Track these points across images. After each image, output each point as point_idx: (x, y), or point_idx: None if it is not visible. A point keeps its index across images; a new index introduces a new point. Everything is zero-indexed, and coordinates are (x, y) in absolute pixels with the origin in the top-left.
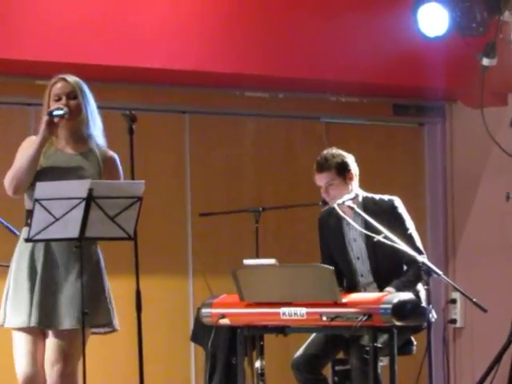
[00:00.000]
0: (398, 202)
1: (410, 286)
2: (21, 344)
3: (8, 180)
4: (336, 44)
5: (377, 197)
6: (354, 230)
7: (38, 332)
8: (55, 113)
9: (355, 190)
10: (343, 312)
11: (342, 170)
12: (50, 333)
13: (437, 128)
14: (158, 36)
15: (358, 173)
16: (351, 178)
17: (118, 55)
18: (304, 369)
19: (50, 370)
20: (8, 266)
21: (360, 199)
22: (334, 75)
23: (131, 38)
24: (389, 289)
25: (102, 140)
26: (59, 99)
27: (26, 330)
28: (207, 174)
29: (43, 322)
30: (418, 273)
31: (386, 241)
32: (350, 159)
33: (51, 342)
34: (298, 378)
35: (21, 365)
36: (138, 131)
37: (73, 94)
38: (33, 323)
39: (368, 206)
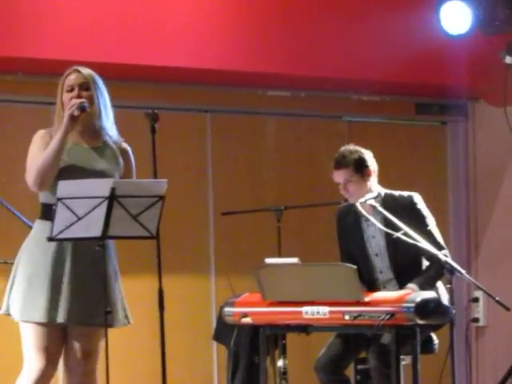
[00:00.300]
0: (417, 198)
1: (431, 283)
2: (38, 339)
3: (32, 176)
4: (358, 43)
5: (396, 193)
6: (373, 227)
7: (57, 328)
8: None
9: (374, 186)
10: (366, 311)
11: (360, 167)
12: (74, 330)
13: (459, 127)
14: (180, 35)
15: (376, 169)
16: (369, 175)
17: (140, 54)
18: (327, 370)
19: (76, 368)
20: (11, 263)
21: (381, 195)
22: (356, 74)
23: (153, 36)
24: (411, 285)
25: (114, 132)
26: (72, 90)
27: (45, 325)
28: (229, 173)
29: (72, 319)
30: (440, 270)
31: (405, 238)
32: (368, 155)
33: (77, 339)
34: (321, 379)
35: (35, 360)
36: (160, 130)
37: (85, 86)
38: (61, 319)
39: (388, 202)
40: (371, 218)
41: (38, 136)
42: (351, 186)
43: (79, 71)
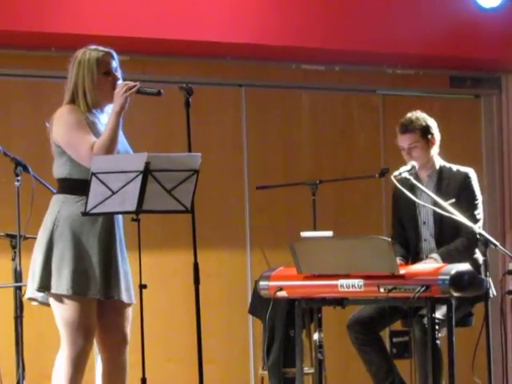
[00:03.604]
0: (472, 174)
1: (456, 255)
2: (86, 313)
3: (102, 153)
4: (392, 16)
5: (454, 167)
6: (425, 195)
7: (95, 305)
8: (150, 90)
9: (435, 156)
10: (401, 283)
11: (426, 133)
12: (115, 306)
13: (493, 99)
14: (215, 9)
15: (439, 139)
16: (433, 143)
17: (174, 29)
18: (357, 329)
19: (118, 345)
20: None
21: (437, 167)
22: (390, 47)
23: (187, 11)
24: (434, 255)
25: None
26: (110, 74)
27: (88, 301)
28: (264, 147)
29: (119, 295)
30: (469, 243)
31: (442, 212)
32: (434, 124)
33: (124, 314)
34: (351, 338)
35: (76, 337)
36: (194, 105)
37: (117, 70)
38: (123, 297)
39: (444, 174)
40: (407, 192)
41: (73, 113)
42: (415, 151)
43: (113, 56)
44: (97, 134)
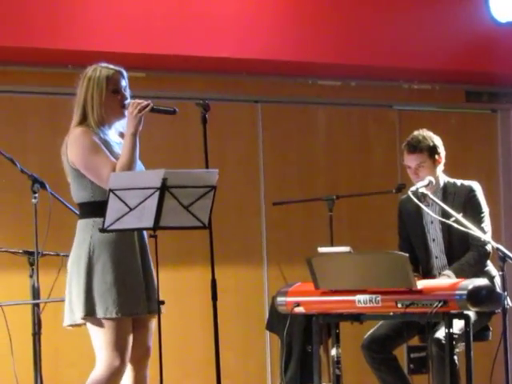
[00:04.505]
0: (476, 187)
1: (468, 269)
2: (125, 334)
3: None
4: (408, 31)
5: (458, 182)
6: (432, 212)
7: (131, 323)
8: (164, 109)
9: (439, 174)
10: (418, 298)
11: (433, 153)
12: (142, 320)
13: (510, 114)
14: (230, 24)
15: (444, 157)
16: (439, 162)
17: (190, 45)
18: (372, 348)
19: (142, 358)
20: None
21: (441, 184)
22: (406, 63)
23: (203, 27)
24: (447, 272)
25: None
26: (118, 92)
27: (130, 320)
28: (280, 163)
29: (153, 309)
30: (478, 255)
31: (454, 224)
32: (440, 143)
33: (148, 327)
34: (366, 357)
35: (112, 357)
36: (211, 120)
37: (126, 89)
38: (154, 309)
39: (449, 190)
40: (423, 206)
41: (88, 135)
42: (422, 171)
43: (123, 74)
44: (112, 153)
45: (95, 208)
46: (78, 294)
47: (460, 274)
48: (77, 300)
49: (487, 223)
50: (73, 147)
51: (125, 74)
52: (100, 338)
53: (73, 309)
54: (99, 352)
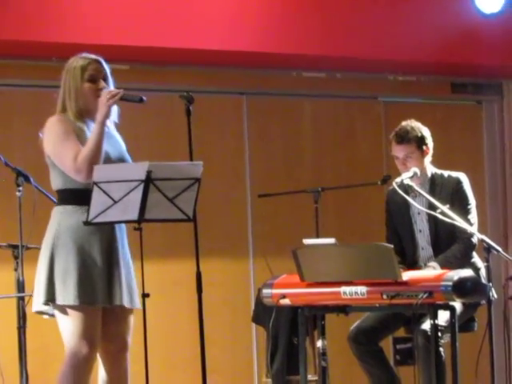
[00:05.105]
0: (463, 178)
1: (454, 261)
2: (92, 322)
3: (85, 165)
4: (393, 23)
5: (446, 173)
6: (419, 204)
7: (100, 313)
8: (132, 98)
9: (427, 165)
10: (404, 290)
11: (421, 144)
12: (116, 313)
13: (494, 105)
14: (215, 17)
15: (432, 147)
16: (427, 153)
17: (174, 37)
18: (358, 339)
19: (119, 353)
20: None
21: (429, 175)
22: (391, 54)
23: (188, 20)
24: (432, 263)
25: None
26: (95, 81)
27: (99, 311)
28: (266, 155)
29: (124, 301)
30: (466, 249)
31: (440, 216)
32: (428, 133)
33: (126, 321)
34: (352, 349)
35: (80, 346)
36: (195, 113)
37: (104, 78)
38: (125, 302)
39: (436, 181)
40: (408, 198)
41: (60, 124)
42: (410, 161)
43: (101, 63)
44: (84, 142)
45: (66, 195)
46: (42, 279)
47: (446, 265)
48: (41, 285)
49: (474, 215)
50: (45, 135)
51: (103, 62)
52: (66, 327)
53: (38, 294)
54: (67, 341)
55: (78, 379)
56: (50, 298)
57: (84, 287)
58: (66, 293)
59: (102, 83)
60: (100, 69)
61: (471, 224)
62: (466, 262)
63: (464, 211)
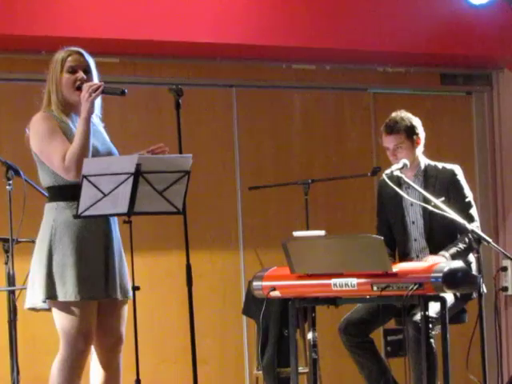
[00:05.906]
0: (458, 170)
1: (461, 254)
2: (88, 317)
3: (74, 164)
4: (383, 14)
5: (440, 165)
6: (412, 195)
7: (95, 307)
8: (113, 90)
9: (419, 155)
10: (394, 281)
11: (411, 134)
12: (110, 306)
13: (484, 96)
14: (204, 10)
15: (424, 138)
16: (418, 143)
17: (164, 30)
18: (349, 331)
19: (114, 345)
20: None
21: (422, 166)
22: (381, 46)
23: (177, 12)
24: (443, 253)
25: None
26: (75, 72)
27: (95, 304)
28: (256, 148)
29: (115, 293)
30: (468, 242)
31: (435, 209)
32: (419, 124)
33: (120, 313)
34: (343, 341)
35: (76, 341)
36: (185, 106)
37: (86, 69)
38: (114, 294)
39: (430, 172)
40: (401, 192)
41: (46, 121)
42: (400, 152)
43: (82, 54)
44: (71, 137)
45: (57, 192)
46: (40, 276)
47: (454, 257)
48: (38, 283)
49: (474, 209)
50: (31, 133)
51: (85, 53)
52: (63, 322)
53: (34, 292)
54: (63, 335)
55: (72, 373)
56: (50, 295)
57: (83, 282)
58: (66, 289)
59: (81, 74)
60: (80, 60)
61: (474, 219)
62: (468, 254)
63: (464, 205)
